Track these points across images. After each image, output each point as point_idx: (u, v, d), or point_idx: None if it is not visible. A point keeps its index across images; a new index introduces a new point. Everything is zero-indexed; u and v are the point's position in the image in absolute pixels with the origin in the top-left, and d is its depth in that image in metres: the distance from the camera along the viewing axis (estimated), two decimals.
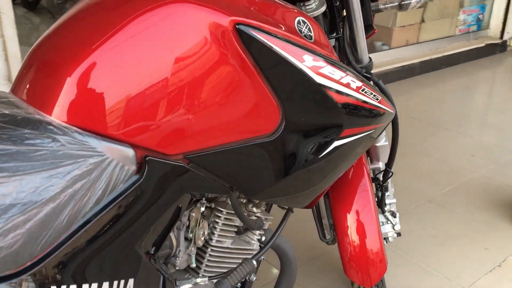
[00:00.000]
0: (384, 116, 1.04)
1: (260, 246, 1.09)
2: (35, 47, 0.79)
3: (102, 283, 0.74)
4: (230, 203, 0.96)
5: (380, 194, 1.42)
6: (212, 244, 0.99)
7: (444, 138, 3.04)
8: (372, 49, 3.87)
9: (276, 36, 0.82)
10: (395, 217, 1.44)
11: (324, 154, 0.93)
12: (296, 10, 0.93)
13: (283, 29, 0.85)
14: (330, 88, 0.89)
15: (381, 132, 1.16)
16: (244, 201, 1.04)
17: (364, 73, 1.18)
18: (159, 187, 0.77)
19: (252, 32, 0.79)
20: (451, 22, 4.47)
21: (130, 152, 0.73)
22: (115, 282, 0.76)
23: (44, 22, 4.59)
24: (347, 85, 0.92)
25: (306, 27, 0.91)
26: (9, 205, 0.61)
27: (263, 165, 0.89)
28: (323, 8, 1.07)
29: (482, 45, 4.60)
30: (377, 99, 1.00)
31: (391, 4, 1.22)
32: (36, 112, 0.70)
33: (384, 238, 1.44)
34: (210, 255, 1.00)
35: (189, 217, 0.95)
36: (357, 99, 0.94)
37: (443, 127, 3.20)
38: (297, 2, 1.07)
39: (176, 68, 0.75)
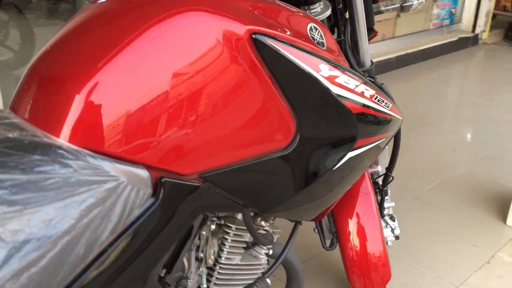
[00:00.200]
0: (394, 123, 1.01)
1: (267, 260, 1.05)
2: (36, 61, 0.73)
3: None
4: (239, 218, 0.92)
5: (379, 198, 1.40)
6: (221, 262, 0.95)
7: (425, 134, 3.06)
8: None
9: (292, 45, 0.78)
10: (394, 221, 1.43)
11: (338, 166, 0.90)
12: (307, 16, 0.89)
13: (298, 37, 0.81)
14: (346, 98, 0.85)
15: (389, 140, 1.14)
16: (252, 214, 1.00)
17: (367, 77, 1.15)
18: (175, 209, 0.73)
19: (268, 42, 0.75)
20: (425, 16, 4.51)
21: (145, 174, 0.68)
22: None
23: (12, 19, 4.43)
24: (362, 94, 0.88)
25: (318, 34, 0.87)
26: (23, 241, 0.55)
27: (278, 180, 0.85)
28: (328, 12, 1.04)
29: (455, 38, 4.66)
30: (388, 107, 0.97)
31: (392, 6, 1.20)
32: (43, 134, 0.64)
33: None
34: (219, 273, 0.96)
35: (199, 236, 0.90)
36: (371, 108, 0.91)
37: (423, 122, 3.22)
38: (301, 6, 1.03)
39: (191, 83, 0.70)
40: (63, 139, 0.64)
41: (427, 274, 1.88)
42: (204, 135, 0.73)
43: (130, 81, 0.67)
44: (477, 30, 4.90)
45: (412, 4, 1.17)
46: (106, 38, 0.69)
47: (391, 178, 1.34)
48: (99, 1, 0.78)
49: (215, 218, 0.91)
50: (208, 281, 0.96)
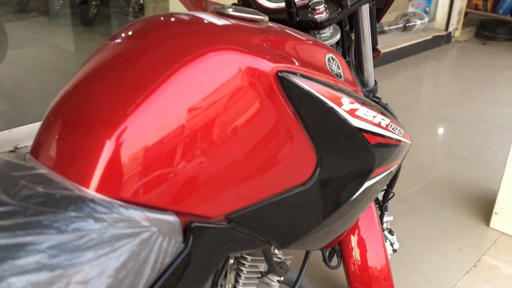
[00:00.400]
0: (406, 148, 1.02)
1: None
2: (58, 102, 0.70)
3: None
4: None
5: (379, 213, 1.41)
6: None
7: None
8: None
9: (315, 80, 0.77)
10: (392, 235, 1.44)
11: (355, 197, 0.90)
12: (324, 46, 0.89)
13: (319, 70, 0.81)
14: (365, 130, 0.85)
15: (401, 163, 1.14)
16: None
17: (371, 97, 1.15)
18: (204, 253, 0.71)
19: (294, 79, 0.74)
20: None
21: (176, 221, 0.66)
22: None
23: None
24: (379, 125, 0.89)
25: (335, 64, 0.87)
26: None
27: (298, 215, 0.84)
28: (338, 37, 1.03)
29: (430, 37, 4.73)
30: (401, 133, 0.97)
31: (395, 26, 1.20)
32: (73, 186, 0.61)
33: None
34: None
35: (220, 272, 0.89)
36: (387, 137, 0.91)
37: (403, 122, 3.25)
38: (311, 30, 1.02)
39: (219, 125, 0.68)
40: (93, 190, 0.62)
41: (416, 279, 1.91)
42: (232, 176, 0.71)
43: (159, 125, 0.65)
44: (450, 28, 4.99)
45: (415, 24, 1.18)
46: (133, 80, 0.67)
47: (391, 194, 1.35)
48: (119, 38, 0.75)
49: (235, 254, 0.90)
50: None
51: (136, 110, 0.64)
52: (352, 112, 0.82)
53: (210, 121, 0.67)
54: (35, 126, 2.39)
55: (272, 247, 0.99)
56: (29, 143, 2.44)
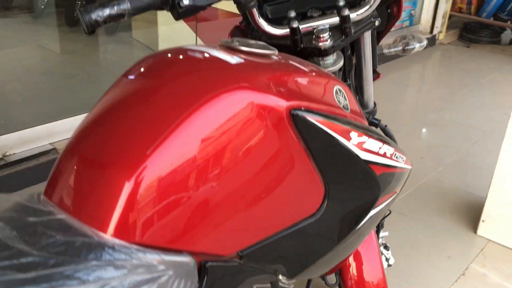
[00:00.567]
0: (407, 173, 1.04)
1: None
2: (73, 141, 0.69)
3: None
4: None
5: (376, 229, 1.43)
6: None
7: None
8: None
9: (326, 116, 0.78)
10: (388, 250, 1.46)
11: (361, 225, 0.91)
12: (332, 78, 0.90)
13: (329, 104, 0.82)
14: (372, 162, 0.87)
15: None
16: None
17: (371, 119, 1.17)
18: None
19: (306, 117, 0.75)
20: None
21: (191, 262, 0.67)
22: None
23: None
24: (384, 155, 0.90)
25: (342, 96, 0.88)
26: None
27: (307, 246, 0.85)
28: (341, 63, 1.04)
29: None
30: (403, 160, 0.99)
31: (395, 49, 1.22)
32: (92, 232, 0.61)
33: None
34: None
35: None
36: (392, 166, 0.93)
37: (389, 127, 3.30)
38: (314, 57, 1.03)
39: (236, 166, 0.69)
40: (111, 235, 0.62)
41: None
42: (245, 214, 0.72)
43: (177, 167, 0.65)
44: (435, 31, 5.05)
45: (414, 48, 1.20)
46: (149, 121, 0.67)
47: (388, 212, 1.37)
48: (134, 75, 0.75)
49: None
50: None
51: (153, 152, 0.64)
52: (360, 145, 0.83)
53: (226, 162, 0.68)
54: (24, 133, 2.35)
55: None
56: (19, 150, 2.41)
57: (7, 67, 3.48)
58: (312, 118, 0.75)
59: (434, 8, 4.88)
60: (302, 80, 0.81)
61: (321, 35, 0.99)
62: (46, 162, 2.43)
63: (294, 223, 0.80)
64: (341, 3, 1.00)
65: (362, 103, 1.19)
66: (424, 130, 3.37)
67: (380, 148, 0.89)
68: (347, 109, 0.88)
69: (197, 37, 3.43)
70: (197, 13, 0.88)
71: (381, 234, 1.46)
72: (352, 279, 1.34)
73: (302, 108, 0.75)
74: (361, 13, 1.02)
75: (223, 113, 0.68)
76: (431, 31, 5.03)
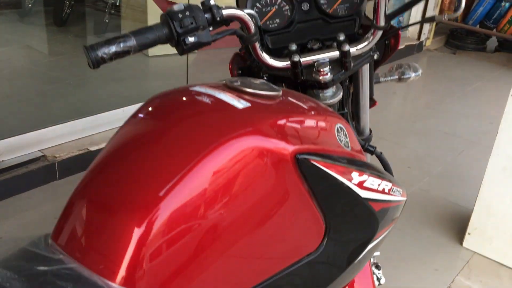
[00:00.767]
0: (403, 205, 1.06)
1: None
2: (81, 185, 0.70)
3: None
4: None
5: None
6: None
7: (380, 148, 3.17)
8: None
9: (329, 158, 0.80)
10: (379, 269, 1.49)
11: (359, 259, 0.94)
12: (334, 115, 0.91)
13: (331, 144, 0.84)
14: (371, 199, 0.89)
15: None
16: None
17: (367, 146, 1.19)
18: None
19: (310, 161, 0.77)
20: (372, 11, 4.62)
21: None
22: None
23: None
24: (383, 191, 0.92)
25: (343, 134, 0.90)
26: None
27: (306, 282, 0.87)
28: (340, 96, 1.06)
29: (403, 46, 4.82)
30: (400, 193, 1.01)
31: (391, 78, 1.24)
32: (101, 281, 0.62)
33: None
34: None
35: None
36: (390, 201, 0.95)
37: (377, 136, 3.33)
38: (314, 89, 1.05)
39: (242, 211, 0.71)
40: (119, 284, 0.63)
41: None
42: (251, 256, 0.74)
43: (186, 215, 0.66)
44: (422, 38, 5.10)
45: (410, 77, 1.22)
46: (158, 167, 0.68)
47: None
48: (141, 118, 0.76)
49: None
50: None
51: (163, 199, 0.65)
52: (360, 184, 0.85)
53: (234, 208, 0.70)
54: (13, 140, 2.31)
55: None
56: (8, 157, 2.39)
57: None
58: (316, 162, 0.77)
59: (422, 15, 4.92)
60: (306, 122, 0.82)
61: (322, 69, 1.00)
62: (35, 169, 2.42)
63: (294, 262, 0.82)
64: (341, 38, 1.01)
65: (358, 130, 1.21)
66: (411, 139, 3.41)
67: (379, 185, 0.91)
68: (348, 146, 0.89)
69: None
70: (200, 48, 0.89)
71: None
72: None
73: (307, 152, 0.76)
74: (361, 48, 1.04)
75: (231, 159, 0.69)
76: (419, 38, 5.08)
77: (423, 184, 2.81)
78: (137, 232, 0.63)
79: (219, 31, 0.90)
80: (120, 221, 0.65)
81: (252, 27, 0.92)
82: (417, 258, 2.23)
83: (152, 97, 0.80)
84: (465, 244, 2.33)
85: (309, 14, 1.07)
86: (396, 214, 1.03)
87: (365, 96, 1.16)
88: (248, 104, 0.76)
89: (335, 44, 1.05)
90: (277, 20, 1.07)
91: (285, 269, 0.81)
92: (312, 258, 0.84)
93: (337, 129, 0.89)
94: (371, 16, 1.11)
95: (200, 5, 0.87)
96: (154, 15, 3.90)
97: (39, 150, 2.50)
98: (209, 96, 0.77)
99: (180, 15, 0.83)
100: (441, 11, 5.22)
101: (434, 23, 5.21)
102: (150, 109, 0.77)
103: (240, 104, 0.76)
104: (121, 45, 0.82)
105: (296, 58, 1.00)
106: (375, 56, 1.09)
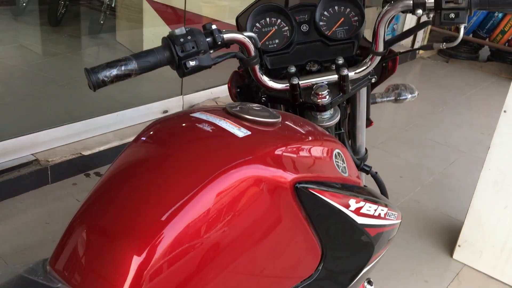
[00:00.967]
0: (397, 227, 1.07)
1: None
2: (81, 210, 0.70)
3: None
4: None
5: None
6: None
7: (372, 157, 3.18)
8: None
9: (327, 185, 0.81)
10: (371, 285, 1.50)
11: (354, 283, 0.95)
12: (332, 141, 0.92)
13: (328, 171, 0.84)
14: (368, 225, 0.90)
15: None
16: None
17: (363, 166, 1.20)
18: None
19: (309, 190, 0.77)
20: (370, 33, 4.65)
21: None
22: None
23: None
24: (379, 216, 0.93)
25: (341, 159, 0.90)
26: None
27: None
28: (338, 118, 1.07)
29: (394, 48, 4.84)
30: (395, 217, 1.02)
31: (387, 98, 1.25)
32: None
33: None
34: None
35: None
36: (385, 226, 0.96)
37: (369, 144, 3.35)
38: (312, 111, 1.05)
39: (241, 238, 0.71)
40: None
41: None
42: (247, 284, 0.74)
43: (185, 242, 0.67)
44: (416, 45, 5.13)
45: (406, 98, 1.23)
46: (160, 194, 0.68)
47: None
48: (142, 144, 0.77)
49: None
50: None
51: (163, 229, 0.65)
52: (357, 211, 0.86)
53: (233, 237, 0.70)
54: (5, 143, 2.29)
55: None
56: (0, 161, 2.37)
57: None
58: (314, 191, 0.78)
59: (416, 23, 4.95)
60: (305, 150, 0.83)
61: (320, 92, 1.01)
62: (28, 173, 2.41)
63: (292, 287, 0.83)
64: (340, 62, 1.02)
65: (354, 149, 1.22)
66: (403, 148, 3.43)
67: (375, 210, 0.92)
68: (345, 172, 0.90)
69: None
70: (200, 71, 0.89)
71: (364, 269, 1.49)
72: None
73: (305, 181, 0.77)
74: (359, 72, 1.05)
75: (232, 188, 0.70)
76: (412, 45, 5.12)
77: (414, 195, 2.83)
78: (137, 260, 0.64)
79: (220, 54, 0.91)
80: (120, 249, 0.65)
81: (252, 50, 0.93)
82: (407, 269, 2.25)
83: (153, 122, 0.81)
84: (455, 256, 2.35)
85: (308, 36, 1.08)
86: (392, 235, 1.04)
87: (362, 117, 1.17)
88: (248, 132, 0.77)
89: (333, 66, 1.05)
90: (277, 41, 1.07)
91: None
92: (307, 284, 0.85)
93: (335, 155, 0.89)
94: (368, 37, 1.13)
95: (201, 29, 0.88)
96: (149, 16, 3.90)
97: (32, 154, 2.49)
98: (209, 123, 0.78)
99: (181, 39, 0.83)
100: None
101: (429, 31, 5.24)
102: (151, 135, 0.78)
103: (240, 132, 0.76)
104: (122, 68, 0.82)
105: (295, 80, 1.01)
106: (373, 80, 1.10)
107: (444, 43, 1.02)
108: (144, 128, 0.81)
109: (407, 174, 3.06)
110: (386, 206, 0.98)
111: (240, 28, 1.10)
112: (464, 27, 0.98)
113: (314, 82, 1.03)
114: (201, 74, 0.90)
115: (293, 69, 1.02)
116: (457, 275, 2.26)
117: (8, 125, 2.68)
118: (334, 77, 1.04)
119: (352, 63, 1.07)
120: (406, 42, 5.13)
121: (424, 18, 0.99)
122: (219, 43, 0.87)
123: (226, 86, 1.16)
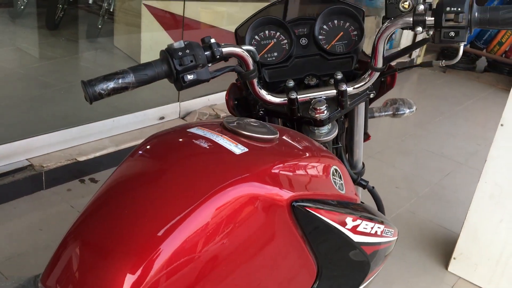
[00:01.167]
0: (394, 244, 1.07)
1: None
2: (75, 226, 0.69)
3: None
4: None
5: None
6: None
7: (369, 168, 3.18)
8: None
9: (324, 203, 0.80)
10: None
11: None
12: (329, 157, 0.92)
13: (326, 188, 0.84)
14: (364, 243, 0.89)
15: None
16: None
17: (359, 180, 1.19)
18: None
19: (306, 208, 0.77)
20: (368, 42, 4.66)
21: None
22: None
23: None
24: (375, 234, 0.92)
25: (338, 176, 0.90)
26: None
27: None
28: (335, 133, 1.06)
29: (394, 63, 4.85)
30: (392, 233, 1.02)
31: (385, 113, 1.25)
32: None
33: None
34: None
35: None
36: (382, 243, 0.95)
37: (366, 154, 3.35)
38: (309, 126, 1.05)
39: (236, 255, 0.71)
40: None
41: None
42: None
43: (180, 259, 0.66)
44: (413, 55, 5.15)
45: (404, 113, 1.23)
46: (154, 210, 0.68)
47: None
48: (139, 159, 0.76)
49: None
50: None
51: (158, 244, 0.64)
52: (354, 229, 0.86)
53: (229, 254, 0.70)
54: (2, 148, 2.28)
55: None
56: None
57: None
58: (311, 209, 0.77)
59: (413, 33, 4.96)
60: (303, 167, 0.82)
61: (318, 107, 1.01)
62: (22, 178, 2.39)
63: None
64: (339, 76, 1.02)
65: (351, 163, 1.22)
66: (399, 158, 3.43)
67: (372, 228, 0.91)
68: (342, 189, 0.90)
69: None
70: (198, 84, 0.88)
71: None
72: None
73: (302, 199, 0.76)
74: (358, 87, 1.04)
75: (228, 206, 0.69)
76: (410, 55, 5.12)
77: (410, 206, 2.83)
78: (131, 278, 0.63)
79: (218, 67, 0.90)
80: (115, 266, 0.64)
81: (251, 64, 0.93)
82: (402, 281, 2.24)
83: (150, 137, 0.80)
84: (450, 268, 2.34)
85: (307, 50, 1.07)
86: (387, 252, 1.04)
87: (360, 131, 1.16)
88: (245, 149, 0.76)
89: (331, 80, 1.05)
90: (275, 54, 1.07)
91: None
92: None
93: (332, 171, 0.89)
94: (366, 47, 1.12)
95: (199, 42, 0.87)
96: (147, 21, 3.90)
97: (26, 159, 2.47)
98: (207, 140, 0.77)
99: (180, 53, 0.82)
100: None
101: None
102: (147, 150, 0.77)
103: (237, 149, 0.76)
104: (120, 81, 0.81)
105: (293, 95, 1.00)
106: (372, 95, 1.09)
107: (444, 60, 1.02)
108: (141, 142, 0.80)
109: (403, 185, 3.06)
110: (382, 223, 0.98)
111: (239, 40, 1.09)
112: (464, 45, 0.97)
113: (312, 97, 1.03)
114: None
115: (291, 83, 1.02)
116: (452, 287, 2.25)
117: (3, 130, 2.66)
118: (333, 92, 1.03)
119: (350, 78, 1.07)
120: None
121: (424, 35, 0.99)
122: (218, 57, 0.86)
123: (223, 93, 1.15)
